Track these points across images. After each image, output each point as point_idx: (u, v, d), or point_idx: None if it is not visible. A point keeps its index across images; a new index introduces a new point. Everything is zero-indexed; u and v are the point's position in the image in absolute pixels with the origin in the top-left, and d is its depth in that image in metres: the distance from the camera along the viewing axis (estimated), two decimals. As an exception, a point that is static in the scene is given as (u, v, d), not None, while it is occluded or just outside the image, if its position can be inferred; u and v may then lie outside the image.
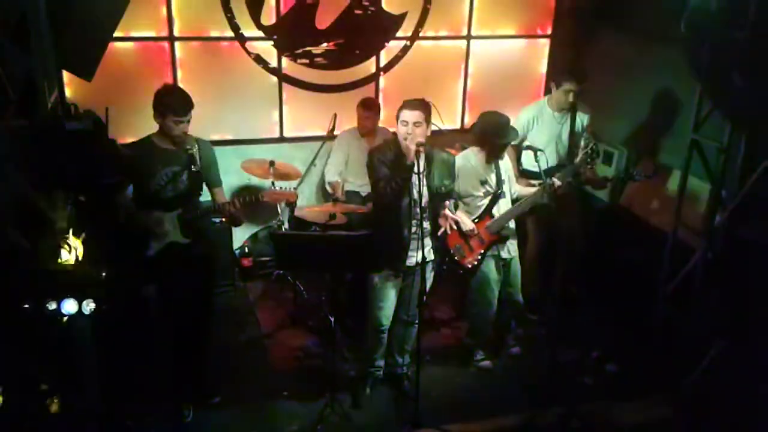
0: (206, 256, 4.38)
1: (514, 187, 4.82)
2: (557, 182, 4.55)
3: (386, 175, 4.05)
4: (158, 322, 4.31)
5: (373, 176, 4.14)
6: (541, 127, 5.28)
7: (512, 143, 4.92)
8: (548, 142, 5.23)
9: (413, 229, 4.15)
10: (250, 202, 4.24)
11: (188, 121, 4.06)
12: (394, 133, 4.18)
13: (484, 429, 4.35)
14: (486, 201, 4.66)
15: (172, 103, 3.98)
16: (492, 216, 4.66)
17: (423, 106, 4.02)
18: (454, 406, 4.60)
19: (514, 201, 4.79)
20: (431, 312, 5.52)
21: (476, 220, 4.64)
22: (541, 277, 5.43)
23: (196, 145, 4.17)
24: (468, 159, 4.64)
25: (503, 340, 5.19)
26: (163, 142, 4.08)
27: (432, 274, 4.46)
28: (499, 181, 4.65)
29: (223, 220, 4.57)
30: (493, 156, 4.59)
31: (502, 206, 4.69)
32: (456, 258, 4.68)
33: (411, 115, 3.98)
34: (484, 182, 4.64)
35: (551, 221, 5.13)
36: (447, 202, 4.37)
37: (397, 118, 4.05)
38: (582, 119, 5.28)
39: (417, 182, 3.95)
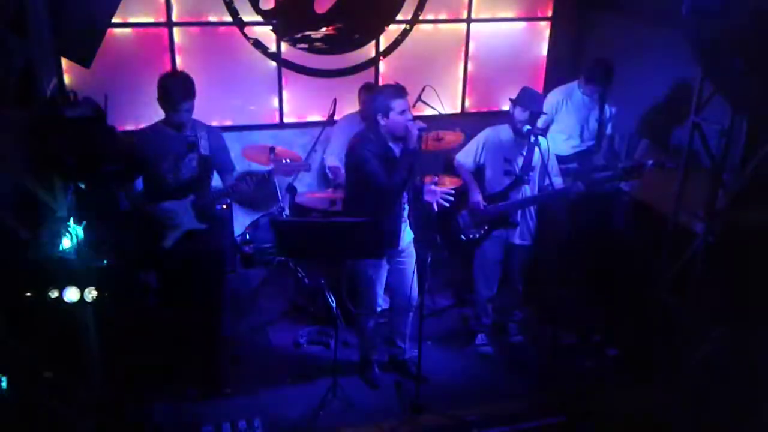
0: (221, 240, 4.44)
1: (555, 180, 4.66)
2: (581, 187, 4.50)
3: (401, 177, 4.02)
4: (168, 310, 4.30)
5: (371, 169, 4.07)
6: (570, 110, 5.31)
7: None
8: (576, 125, 5.29)
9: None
10: (262, 179, 4.24)
11: (191, 108, 4.07)
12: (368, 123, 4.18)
13: (485, 413, 4.37)
14: (507, 182, 4.67)
15: (173, 90, 3.98)
16: (507, 199, 4.67)
17: (405, 90, 4.08)
18: (456, 390, 4.63)
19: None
20: (433, 297, 5.53)
21: (490, 198, 4.66)
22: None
23: (205, 131, 4.19)
24: (498, 132, 4.68)
25: (506, 327, 5.21)
26: (170, 127, 4.10)
27: (429, 259, 4.45)
28: (526, 167, 4.63)
29: (224, 207, 4.55)
30: (516, 132, 4.57)
31: (524, 193, 4.68)
32: (460, 226, 4.71)
33: (407, 103, 4.05)
34: (508, 160, 4.64)
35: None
36: (435, 178, 4.39)
37: (390, 108, 4.02)
38: (610, 108, 5.34)
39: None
